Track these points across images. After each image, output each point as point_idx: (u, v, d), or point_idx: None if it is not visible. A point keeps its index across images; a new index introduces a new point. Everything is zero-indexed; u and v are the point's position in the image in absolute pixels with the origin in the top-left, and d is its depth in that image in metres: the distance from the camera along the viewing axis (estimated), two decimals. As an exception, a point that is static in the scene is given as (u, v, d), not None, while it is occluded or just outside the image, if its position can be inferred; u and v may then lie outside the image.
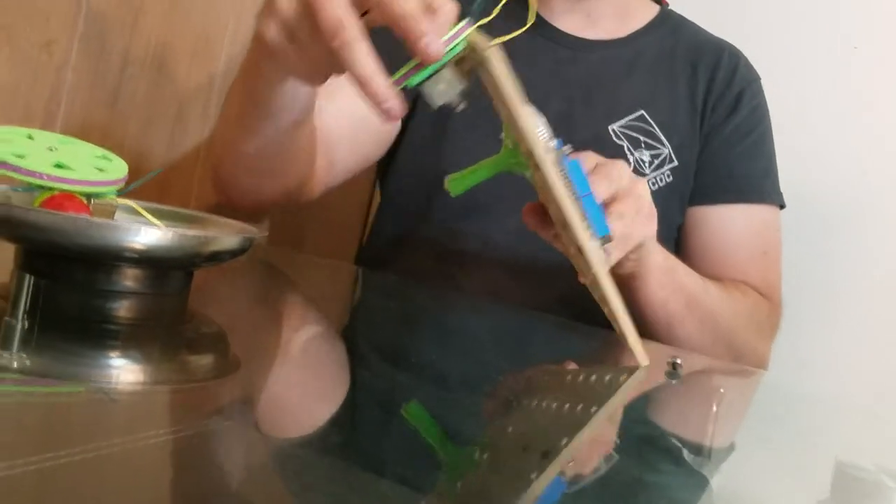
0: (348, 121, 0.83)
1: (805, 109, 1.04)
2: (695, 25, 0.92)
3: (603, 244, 0.52)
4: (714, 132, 0.85)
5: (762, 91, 0.88)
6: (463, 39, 0.46)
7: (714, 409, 0.51)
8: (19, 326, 0.32)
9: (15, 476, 0.20)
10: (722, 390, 0.57)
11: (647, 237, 0.60)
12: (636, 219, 0.57)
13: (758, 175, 0.85)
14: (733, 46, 0.90)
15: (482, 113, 0.84)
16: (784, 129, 0.89)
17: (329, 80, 0.84)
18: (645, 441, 0.38)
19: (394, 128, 0.87)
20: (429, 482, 0.27)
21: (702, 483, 0.33)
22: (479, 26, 0.49)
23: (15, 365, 0.30)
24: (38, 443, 0.23)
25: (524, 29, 0.54)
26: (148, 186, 0.58)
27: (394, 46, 0.46)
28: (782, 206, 0.86)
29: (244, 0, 0.96)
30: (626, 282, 0.67)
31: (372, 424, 0.32)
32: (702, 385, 0.59)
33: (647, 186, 0.60)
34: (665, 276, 0.68)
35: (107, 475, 0.22)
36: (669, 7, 0.94)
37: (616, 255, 0.56)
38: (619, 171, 0.57)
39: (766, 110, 0.88)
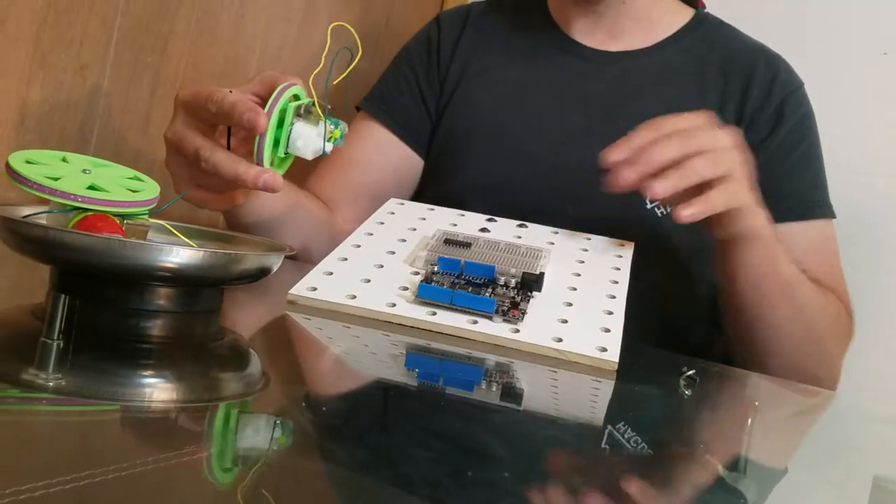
0: (392, 169, 0.87)
1: (839, 115, 1.02)
2: (732, 30, 0.88)
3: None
4: (758, 149, 0.80)
5: (806, 97, 0.84)
6: (285, 101, 0.54)
7: (749, 422, 0.50)
8: (55, 346, 0.33)
9: (53, 495, 0.20)
10: (756, 403, 0.56)
11: (745, 204, 0.62)
12: (727, 182, 0.59)
13: (810, 189, 0.81)
14: (772, 52, 0.85)
15: (500, 131, 0.85)
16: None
17: (369, 135, 0.89)
18: (676, 454, 0.38)
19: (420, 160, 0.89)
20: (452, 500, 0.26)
21: (737, 498, 0.33)
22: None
23: (51, 385, 0.30)
24: (74, 462, 0.23)
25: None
26: (179, 206, 0.58)
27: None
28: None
29: (270, 23, 0.98)
30: (723, 249, 0.67)
31: (405, 440, 0.32)
32: (737, 398, 0.58)
33: (742, 156, 0.61)
34: (765, 254, 0.67)
35: (141, 493, 0.22)
36: (706, 11, 0.91)
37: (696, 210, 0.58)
38: (700, 136, 0.60)
39: (812, 118, 0.83)
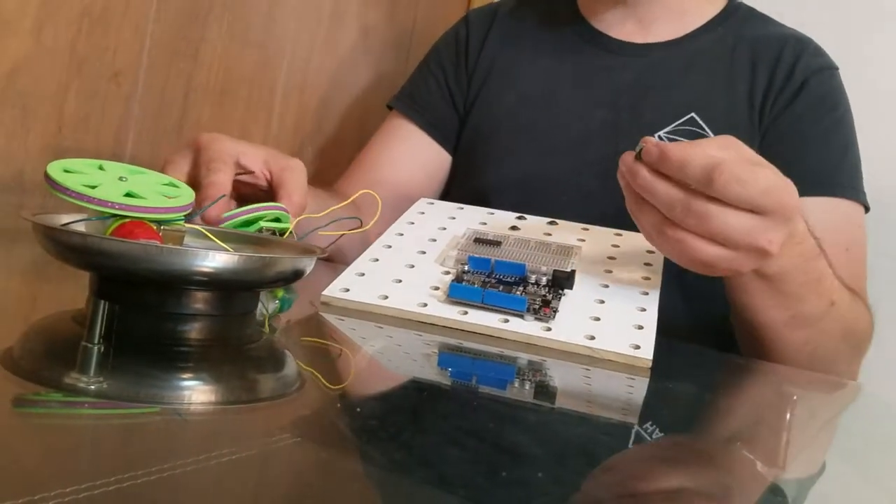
0: (422, 166, 0.87)
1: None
2: (765, 19, 0.88)
3: None
4: (773, 124, 0.80)
5: (836, 80, 0.82)
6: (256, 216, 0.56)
7: (788, 416, 0.49)
8: (96, 350, 0.33)
9: (96, 497, 0.21)
10: (795, 397, 0.56)
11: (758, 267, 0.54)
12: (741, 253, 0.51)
13: (829, 166, 0.78)
14: (801, 36, 0.84)
15: (525, 128, 0.85)
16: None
17: (399, 133, 0.90)
18: (711, 455, 0.37)
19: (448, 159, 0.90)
20: (495, 496, 0.27)
21: (780, 500, 0.33)
22: None
23: (93, 388, 0.31)
24: (116, 464, 0.24)
25: None
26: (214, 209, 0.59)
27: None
28: (867, 208, 0.79)
29: (299, 25, 0.98)
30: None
31: (439, 440, 0.32)
32: (773, 392, 0.57)
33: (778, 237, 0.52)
34: (776, 296, 0.60)
35: (183, 494, 0.22)
36: (738, 0, 0.90)
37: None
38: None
39: (842, 101, 0.81)
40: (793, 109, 0.80)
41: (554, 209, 0.67)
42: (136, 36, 0.80)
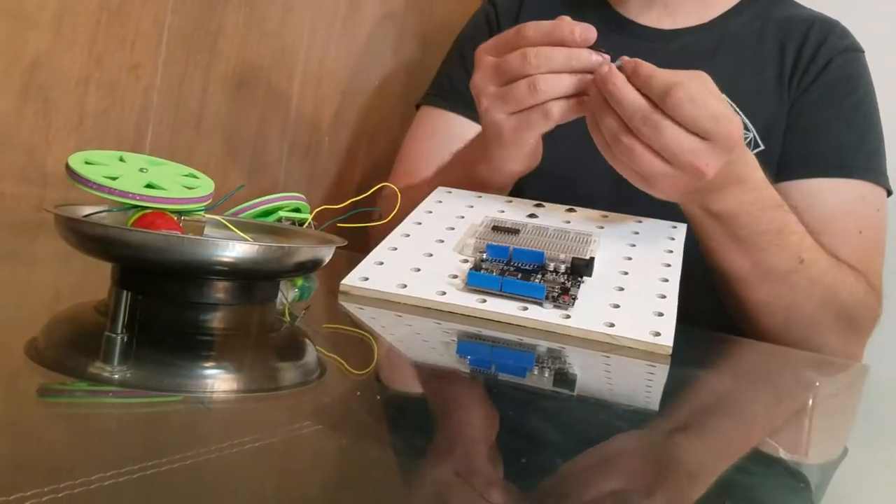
0: None
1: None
2: (791, 2, 0.87)
3: None
4: (796, 103, 0.80)
5: (860, 62, 0.81)
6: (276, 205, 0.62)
7: (810, 403, 0.49)
8: (119, 340, 0.34)
9: (121, 484, 0.21)
10: (818, 384, 0.55)
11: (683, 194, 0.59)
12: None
13: (847, 148, 0.78)
14: (828, 18, 0.84)
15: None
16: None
17: (448, 130, 0.88)
18: (732, 441, 0.37)
19: None
20: (517, 483, 0.27)
21: (802, 486, 0.32)
22: None
23: (116, 377, 0.31)
24: (140, 452, 0.24)
25: None
26: (233, 199, 0.60)
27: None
28: (889, 192, 0.79)
29: (315, 15, 0.98)
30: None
31: (459, 427, 0.32)
32: (794, 378, 0.57)
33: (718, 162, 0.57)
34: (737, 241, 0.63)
35: (206, 481, 0.23)
36: None
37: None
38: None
39: (864, 83, 0.81)
40: (814, 89, 0.79)
41: (576, 196, 0.67)
42: (154, 28, 0.80)
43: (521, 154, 0.64)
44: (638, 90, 0.55)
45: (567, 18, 0.59)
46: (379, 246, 0.58)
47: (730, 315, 0.72)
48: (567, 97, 0.59)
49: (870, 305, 0.73)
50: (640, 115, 0.55)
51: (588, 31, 0.58)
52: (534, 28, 0.59)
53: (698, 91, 0.54)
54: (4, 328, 0.37)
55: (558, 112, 0.59)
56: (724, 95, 0.58)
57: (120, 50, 0.78)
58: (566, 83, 0.58)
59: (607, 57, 0.58)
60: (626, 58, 0.57)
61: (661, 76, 0.55)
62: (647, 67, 0.55)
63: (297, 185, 1.00)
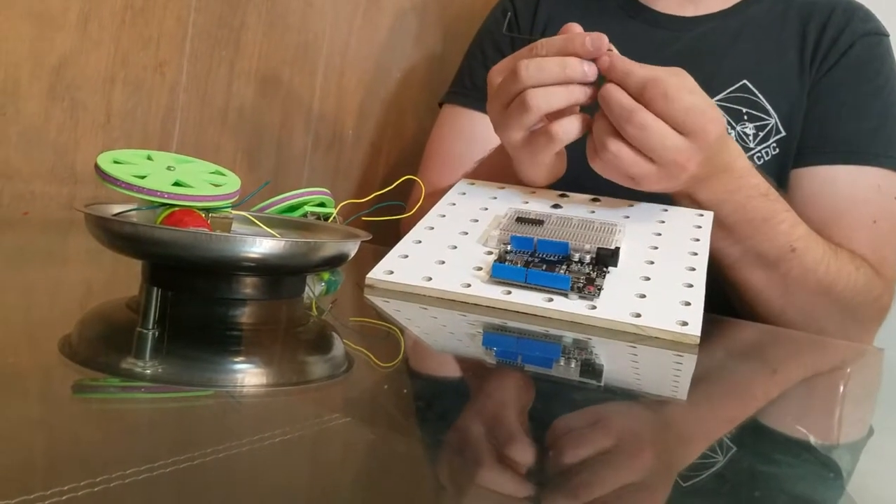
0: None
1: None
2: None
3: None
4: (816, 87, 0.79)
5: (883, 46, 0.80)
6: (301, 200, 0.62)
7: (841, 389, 0.49)
8: (150, 336, 0.34)
9: (155, 478, 0.21)
10: (849, 370, 0.55)
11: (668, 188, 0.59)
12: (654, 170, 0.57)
13: (864, 134, 0.76)
14: (851, 1, 0.82)
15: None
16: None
17: (475, 127, 0.88)
18: (760, 429, 0.37)
19: None
20: (535, 481, 0.27)
21: (832, 474, 0.32)
22: None
23: (148, 373, 0.32)
24: (172, 446, 0.25)
25: None
26: (259, 195, 0.60)
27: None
28: None
29: (337, 8, 0.99)
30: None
31: (486, 419, 0.32)
32: (819, 363, 0.56)
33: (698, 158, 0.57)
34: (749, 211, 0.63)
35: (238, 474, 0.23)
36: None
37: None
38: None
39: (886, 68, 0.79)
40: (833, 73, 0.78)
41: (599, 187, 0.67)
42: (178, 25, 0.81)
43: (542, 169, 0.64)
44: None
45: (577, 28, 0.59)
46: (403, 239, 0.58)
47: (732, 303, 0.72)
48: (577, 116, 0.59)
49: (875, 295, 0.71)
50: (625, 114, 0.55)
51: (600, 41, 0.57)
52: (546, 45, 0.58)
53: (673, 88, 0.55)
54: (38, 326, 0.37)
55: (563, 134, 0.59)
56: (704, 93, 0.58)
57: (145, 49, 0.78)
58: (558, 96, 0.58)
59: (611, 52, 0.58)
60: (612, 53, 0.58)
61: (638, 72, 0.56)
62: (623, 63, 0.56)
63: (322, 178, 1.00)
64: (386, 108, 1.09)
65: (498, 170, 0.70)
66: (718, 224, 0.62)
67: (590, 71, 0.57)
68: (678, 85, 0.56)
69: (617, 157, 0.57)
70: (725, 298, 0.73)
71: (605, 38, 0.57)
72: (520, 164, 0.64)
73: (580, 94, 0.58)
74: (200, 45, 0.83)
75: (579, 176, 0.78)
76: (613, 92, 0.56)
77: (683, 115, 0.55)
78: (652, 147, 0.56)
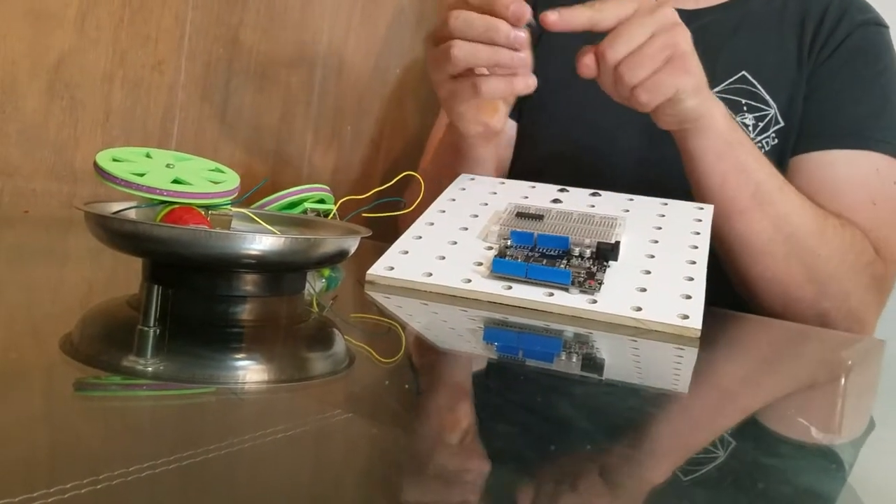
0: (508, 141, 0.88)
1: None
2: None
3: None
4: (813, 75, 0.79)
5: (880, 35, 0.80)
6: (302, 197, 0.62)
7: (842, 381, 0.49)
8: (152, 334, 0.34)
9: (158, 475, 0.21)
10: (850, 362, 0.55)
11: (680, 88, 0.60)
12: (663, 67, 0.59)
13: (863, 119, 0.77)
14: None
15: (566, 100, 0.85)
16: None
17: None
18: (759, 421, 0.37)
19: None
20: (537, 471, 0.27)
21: (834, 467, 0.32)
22: None
23: (150, 370, 0.32)
24: (176, 443, 0.25)
25: None
26: (259, 191, 0.60)
27: None
28: None
29: (336, 7, 0.99)
30: (681, 143, 0.66)
31: (488, 414, 0.32)
32: (821, 355, 0.56)
33: (686, 35, 0.60)
34: (723, 146, 0.65)
35: (241, 470, 0.23)
36: None
37: (643, 101, 0.60)
38: (654, 18, 0.59)
39: (885, 56, 0.80)
40: (831, 61, 0.79)
41: (599, 180, 0.67)
42: (176, 24, 0.81)
43: (467, 121, 0.66)
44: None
45: None
46: (404, 235, 0.58)
47: (737, 292, 0.72)
48: (505, 78, 0.60)
49: (866, 261, 0.71)
50: (609, 36, 0.59)
51: (522, 10, 0.58)
52: None
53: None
54: (40, 324, 0.37)
55: (485, 90, 0.60)
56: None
57: (143, 47, 0.78)
58: (482, 54, 0.59)
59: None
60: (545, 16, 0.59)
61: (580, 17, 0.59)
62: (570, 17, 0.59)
63: (322, 175, 1.00)
64: (385, 104, 1.09)
65: (448, 134, 0.71)
66: (698, 159, 0.65)
67: (515, 39, 0.58)
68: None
69: (634, 59, 0.58)
70: (730, 291, 0.73)
71: (527, 9, 0.58)
72: (449, 112, 0.66)
73: (506, 58, 0.59)
74: (198, 43, 0.83)
75: (598, 168, 0.78)
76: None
77: (619, 2, 0.59)
78: (630, 39, 0.58)
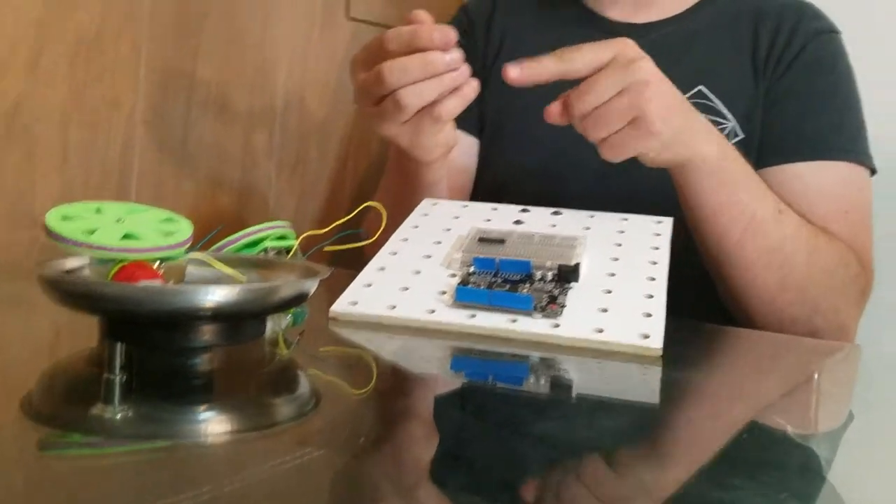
0: (474, 162, 0.87)
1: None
2: None
3: None
4: (772, 88, 0.80)
5: (834, 43, 0.81)
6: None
7: (815, 378, 0.49)
8: (116, 384, 0.35)
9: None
10: (816, 375, 0.56)
11: (643, 151, 0.60)
12: (626, 129, 0.58)
13: (827, 130, 0.77)
14: (801, 1, 0.83)
15: (525, 117, 0.85)
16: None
17: None
18: (738, 423, 0.38)
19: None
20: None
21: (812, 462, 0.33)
22: None
23: (114, 427, 0.32)
24: (145, 494, 0.25)
25: None
26: (227, 216, 0.60)
27: None
28: (873, 171, 0.78)
29: (293, 25, 0.98)
30: (675, 179, 0.66)
31: (460, 444, 0.32)
32: (788, 362, 0.57)
33: (661, 92, 0.59)
34: (715, 183, 0.65)
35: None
36: None
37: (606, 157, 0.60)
38: (627, 72, 0.58)
39: (840, 64, 0.80)
40: (788, 75, 0.79)
41: (562, 197, 0.68)
42: (132, 55, 0.80)
43: (431, 148, 0.66)
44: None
45: (425, 19, 0.60)
46: (367, 267, 0.58)
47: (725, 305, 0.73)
48: (456, 94, 0.60)
49: (854, 273, 0.72)
50: (574, 93, 0.59)
51: (447, 34, 0.58)
52: (394, 37, 0.59)
53: (578, 48, 0.60)
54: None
55: (447, 113, 0.61)
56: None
57: (99, 83, 0.78)
58: (430, 90, 0.59)
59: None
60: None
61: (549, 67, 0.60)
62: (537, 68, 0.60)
63: (288, 201, 1.00)
64: (350, 124, 1.09)
65: (398, 158, 0.72)
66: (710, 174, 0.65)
67: (452, 59, 0.58)
68: (573, 50, 0.60)
69: (598, 115, 0.58)
70: (721, 307, 0.74)
71: (452, 32, 0.58)
72: (413, 150, 0.66)
73: (451, 81, 0.59)
74: (155, 74, 0.83)
75: (562, 179, 0.79)
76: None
77: (594, 49, 0.59)
78: (596, 89, 0.58)
